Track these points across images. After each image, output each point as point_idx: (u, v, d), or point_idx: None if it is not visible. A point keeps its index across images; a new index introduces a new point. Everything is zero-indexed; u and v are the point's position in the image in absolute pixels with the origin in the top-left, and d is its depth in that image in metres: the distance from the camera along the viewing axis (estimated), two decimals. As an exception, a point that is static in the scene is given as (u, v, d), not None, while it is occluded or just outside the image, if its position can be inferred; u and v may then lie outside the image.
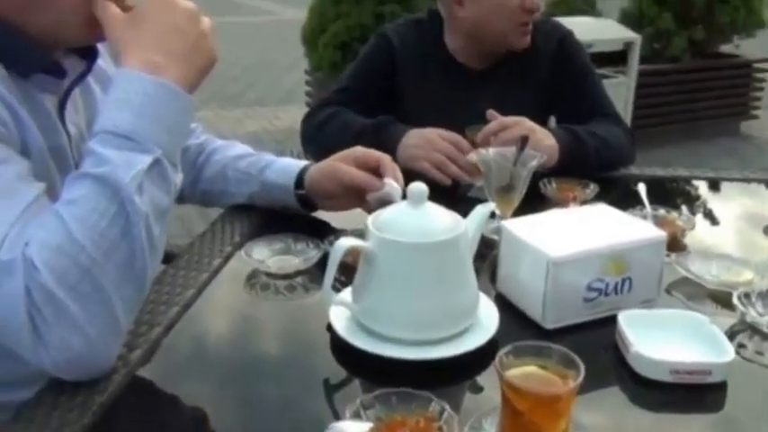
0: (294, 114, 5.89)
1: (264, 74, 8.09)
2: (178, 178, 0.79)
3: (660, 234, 0.86)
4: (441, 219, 0.78)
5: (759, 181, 1.46)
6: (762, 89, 5.56)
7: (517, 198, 1.09)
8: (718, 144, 5.21)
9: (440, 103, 1.58)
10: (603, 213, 0.93)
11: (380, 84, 1.60)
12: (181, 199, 1.19)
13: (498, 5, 1.48)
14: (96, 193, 0.70)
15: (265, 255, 1.02)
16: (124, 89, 0.75)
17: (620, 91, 4.18)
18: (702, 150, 5.04)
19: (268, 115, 6.01)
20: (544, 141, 1.30)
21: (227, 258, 1.04)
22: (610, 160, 1.44)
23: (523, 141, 1.08)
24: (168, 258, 1.02)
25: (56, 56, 0.88)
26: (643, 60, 4.45)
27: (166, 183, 0.75)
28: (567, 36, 1.59)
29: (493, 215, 1.01)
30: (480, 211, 0.83)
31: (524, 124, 1.30)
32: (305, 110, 5.19)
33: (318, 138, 1.51)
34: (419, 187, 0.77)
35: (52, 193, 0.79)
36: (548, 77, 1.58)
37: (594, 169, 1.37)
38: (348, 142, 1.42)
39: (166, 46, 0.78)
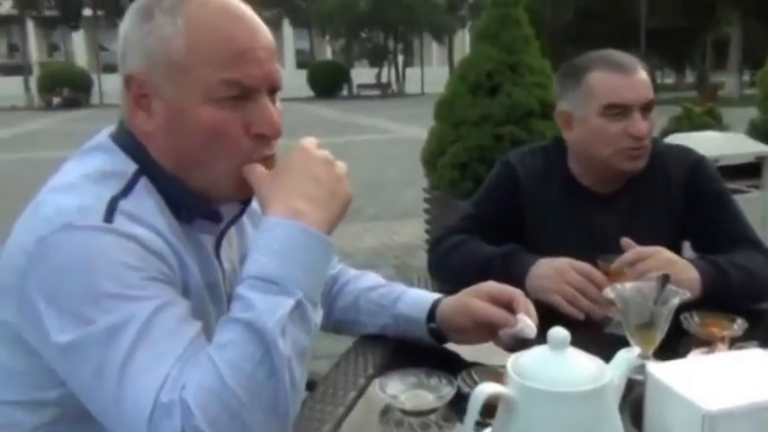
0: (413, 230, 6.02)
1: (383, 190, 8.38)
2: (318, 317, 0.84)
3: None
4: (584, 366, 0.76)
5: None
6: None
7: (659, 336, 1.05)
8: None
9: (566, 229, 1.57)
10: (760, 359, 0.87)
11: (506, 211, 1.62)
12: None
13: (600, 131, 1.48)
14: (244, 338, 0.76)
15: (398, 389, 1.03)
16: (269, 236, 0.82)
17: (754, 206, 3.95)
18: None
19: (387, 230, 6.18)
20: (685, 274, 1.25)
21: (361, 392, 1.06)
22: (756, 292, 1.36)
23: (664, 279, 1.04)
24: (307, 385, 1.05)
25: (215, 205, 0.98)
26: (778, 173, 4.23)
27: (307, 323, 0.80)
28: (699, 162, 1.56)
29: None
30: (625, 357, 0.80)
31: (662, 255, 1.26)
32: (423, 226, 5.33)
33: (446, 266, 1.54)
34: (560, 333, 0.76)
35: (207, 327, 0.86)
36: (680, 203, 1.54)
37: (739, 302, 1.29)
38: (476, 272, 1.43)
39: (307, 193, 0.85)
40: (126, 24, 0.92)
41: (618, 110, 1.45)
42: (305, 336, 0.80)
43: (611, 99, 1.45)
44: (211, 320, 0.93)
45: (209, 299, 0.96)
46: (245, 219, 1.07)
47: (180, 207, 0.92)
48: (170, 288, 0.84)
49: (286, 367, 0.77)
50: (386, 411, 1.00)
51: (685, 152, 1.58)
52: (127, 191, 0.87)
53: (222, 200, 0.97)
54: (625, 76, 1.45)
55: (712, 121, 4.98)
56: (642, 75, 1.47)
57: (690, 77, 42.65)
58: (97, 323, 0.76)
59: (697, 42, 35.26)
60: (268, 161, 0.92)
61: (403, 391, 1.03)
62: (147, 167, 0.91)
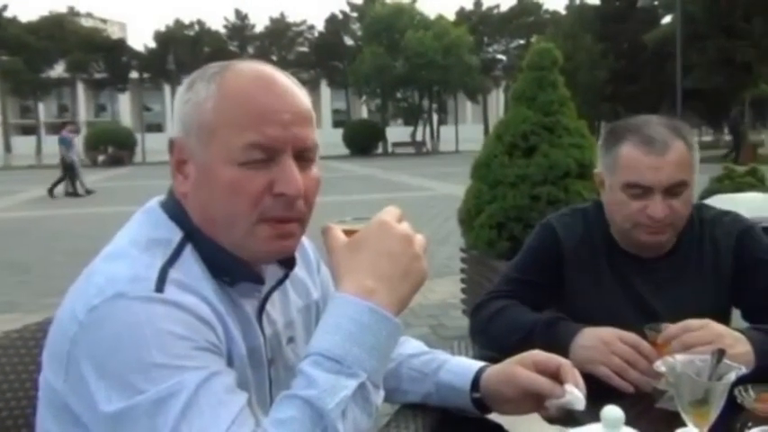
0: (448, 288, 5.96)
1: (418, 248, 8.33)
2: (380, 398, 0.82)
3: None
4: (640, 448, 0.73)
5: None
6: None
7: (713, 413, 1.00)
8: None
9: (608, 295, 1.54)
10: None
11: (548, 275, 1.60)
12: None
13: (621, 204, 1.46)
14: (303, 416, 0.75)
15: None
16: (338, 313, 0.82)
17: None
18: None
19: (422, 289, 6.09)
20: (736, 348, 1.20)
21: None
22: None
23: (720, 354, 1.01)
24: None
25: (257, 267, 0.98)
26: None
27: (369, 405, 0.79)
28: (748, 230, 1.53)
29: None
30: (683, 438, 0.77)
31: (711, 328, 1.22)
32: (459, 285, 5.28)
33: (488, 332, 1.52)
34: (615, 412, 0.74)
35: (248, 395, 0.85)
36: (728, 271, 1.50)
37: None
38: (518, 340, 1.41)
39: (380, 271, 0.84)
40: (176, 95, 0.96)
41: (638, 190, 1.42)
42: (366, 418, 0.79)
43: (632, 178, 1.42)
44: (251, 387, 0.93)
45: (250, 365, 0.95)
46: (288, 284, 1.08)
47: (222, 271, 0.92)
48: (217, 357, 0.84)
49: None
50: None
51: (734, 219, 1.55)
52: (174, 258, 0.88)
53: (255, 260, 0.97)
54: (652, 157, 1.40)
55: (755, 182, 4.89)
56: (673, 155, 1.40)
57: (727, 135, 42.22)
58: (145, 393, 0.76)
59: (734, 101, 35.03)
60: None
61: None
62: (192, 233, 0.92)
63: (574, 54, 32.09)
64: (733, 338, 1.23)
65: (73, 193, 16.35)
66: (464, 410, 1.16)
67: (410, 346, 1.26)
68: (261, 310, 1.00)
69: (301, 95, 0.95)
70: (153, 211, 0.96)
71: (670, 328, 1.23)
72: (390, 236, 0.87)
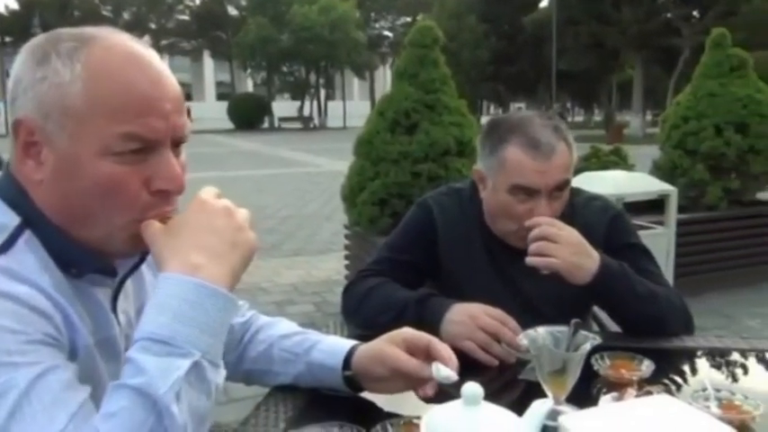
0: (332, 265, 5.97)
1: (303, 224, 8.31)
2: (220, 376, 0.79)
3: (732, 434, 0.81)
4: (497, 422, 0.75)
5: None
6: (804, 235, 5.49)
7: (571, 382, 1.05)
8: (763, 291, 5.08)
9: (481, 271, 1.57)
10: (668, 407, 0.88)
11: (422, 253, 1.60)
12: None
13: (506, 206, 1.47)
14: (134, 405, 0.70)
15: (310, 447, 0.98)
16: (163, 293, 0.77)
17: (661, 241, 4.15)
18: (748, 298, 4.90)
19: (306, 266, 6.10)
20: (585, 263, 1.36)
21: (271, 450, 1.00)
22: (655, 318, 1.40)
23: (577, 326, 1.05)
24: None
25: (108, 259, 0.91)
26: (679, 210, 4.48)
27: (206, 385, 0.75)
28: (618, 215, 1.60)
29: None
30: (537, 411, 0.79)
31: (571, 235, 1.36)
32: (343, 262, 5.28)
33: (360, 311, 1.50)
34: (474, 389, 0.75)
35: (98, 388, 0.79)
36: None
37: (636, 322, 1.36)
38: (391, 317, 1.41)
39: (204, 245, 0.81)
40: (18, 66, 0.85)
41: (525, 193, 1.44)
42: (205, 398, 0.75)
43: (520, 181, 1.43)
44: (104, 380, 0.86)
45: (104, 357, 0.89)
46: (144, 267, 1.01)
47: (69, 262, 0.85)
48: (55, 351, 0.77)
49: None
50: (296, 470, 0.95)
51: (604, 205, 1.62)
52: (7, 246, 0.80)
53: (115, 255, 0.91)
54: (539, 161, 1.41)
55: (619, 160, 5.23)
56: (559, 159, 1.42)
57: (598, 116, 44.99)
58: None
59: (603, 84, 37.31)
60: (167, 216, 0.87)
61: (314, 447, 0.99)
62: (32, 220, 0.84)
63: (458, 34, 32.86)
64: (583, 250, 1.37)
65: None
66: (336, 390, 1.15)
67: (282, 327, 1.23)
68: (115, 298, 0.93)
69: (173, 78, 0.89)
70: None
71: (541, 218, 1.37)
72: (210, 211, 0.84)
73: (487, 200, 1.54)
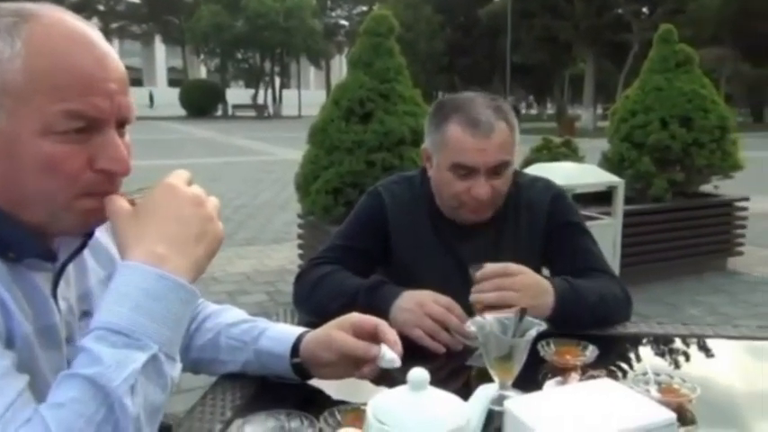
0: (285, 254, 5.93)
1: (256, 213, 8.22)
2: (176, 370, 0.77)
3: (670, 416, 0.83)
4: (443, 407, 0.75)
5: (755, 338, 1.44)
6: (744, 227, 5.70)
7: (517, 367, 1.06)
8: (706, 280, 5.26)
9: (432, 258, 1.59)
10: (609, 390, 0.90)
11: (373, 241, 1.61)
12: None
13: (447, 183, 1.50)
14: (85, 396, 0.68)
15: (257, 435, 0.97)
16: (124, 282, 0.75)
17: (608, 232, 4.25)
18: (691, 287, 5.07)
19: (259, 255, 6.04)
20: (540, 299, 1.33)
21: (217, 438, 0.99)
22: (604, 317, 1.44)
23: (523, 312, 1.07)
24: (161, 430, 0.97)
25: (50, 241, 0.88)
26: (626, 201, 4.59)
27: (162, 378, 0.73)
28: (560, 195, 1.64)
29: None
30: (483, 394, 0.80)
31: (525, 277, 1.32)
32: (296, 251, 5.24)
33: (311, 299, 1.50)
34: (420, 374, 0.75)
35: (36, 377, 0.76)
36: (541, 233, 1.60)
37: (588, 326, 1.36)
38: (342, 305, 1.40)
39: (170, 235, 0.79)
40: None
41: (464, 170, 1.47)
42: (159, 393, 0.73)
43: (459, 159, 1.46)
44: (43, 370, 0.84)
45: (43, 346, 0.86)
46: (86, 252, 0.98)
47: (5, 246, 0.82)
48: None
49: (132, 429, 0.69)
50: (243, 459, 0.94)
51: (547, 185, 1.65)
52: None
53: (61, 234, 0.88)
54: (478, 139, 1.43)
55: (569, 153, 5.33)
56: (497, 137, 1.44)
57: (551, 109, 45.73)
58: None
59: (556, 77, 37.93)
60: (132, 200, 0.84)
61: (262, 435, 0.98)
62: None
63: (414, 24, 32.90)
64: (541, 289, 1.33)
65: None
66: (284, 377, 1.14)
67: (230, 315, 1.21)
68: (56, 284, 0.90)
69: (118, 58, 0.86)
70: None
71: (489, 267, 1.31)
72: (179, 199, 0.82)
73: (433, 178, 1.57)
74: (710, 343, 1.41)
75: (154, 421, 0.73)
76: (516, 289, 1.29)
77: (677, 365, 1.30)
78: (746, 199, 5.67)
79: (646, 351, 1.38)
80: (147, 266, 0.76)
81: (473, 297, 1.29)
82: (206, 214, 0.83)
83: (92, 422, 0.67)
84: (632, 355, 1.35)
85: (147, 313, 0.73)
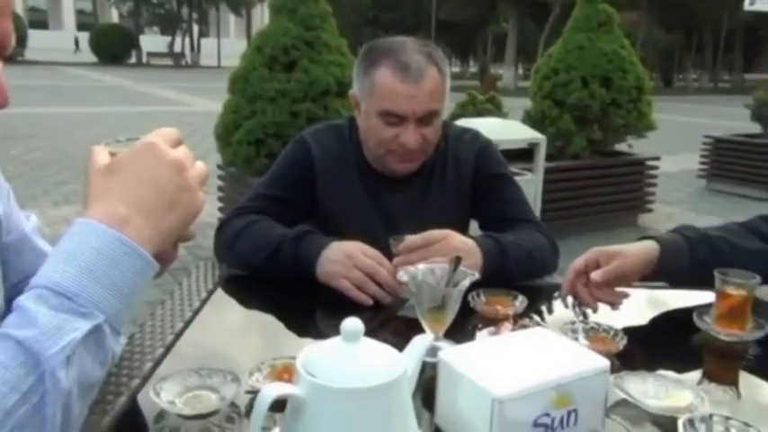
0: (206, 207, 5.73)
1: (174, 165, 7.90)
2: (119, 345, 0.69)
3: (604, 363, 0.83)
4: (378, 358, 0.71)
5: (660, 288, 1.48)
6: (654, 185, 5.96)
7: (450, 318, 1.04)
8: (618, 235, 5.48)
9: (359, 210, 1.55)
10: (543, 339, 0.89)
11: (299, 190, 1.55)
12: None
13: (376, 130, 1.46)
14: (12, 361, 0.59)
15: (176, 392, 0.91)
16: (76, 240, 0.66)
17: (529, 187, 4.33)
18: (605, 241, 5.27)
19: (177, 208, 5.82)
20: (469, 259, 1.27)
21: (132, 397, 0.92)
22: (533, 271, 1.44)
23: (457, 261, 1.04)
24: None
25: None
26: (547, 158, 4.69)
27: (103, 352, 0.65)
28: (486, 146, 1.62)
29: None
30: (418, 345, 0.77)
31: (449, 242, 1.27)
32: (216, 204, 5.08)
33: (234, 250, 1.42)
34: (353, 324, 0.70)
35: None
36: (468, 185, 1.59)
37: (517, 280, 1.36)
38: (266, 255, 1.35)
39: (138, 199, 0.70)
40: None
41: (393, 118, 1.42)
42: (98, 368, 0.65)
43: (387, 106, 1.42)
44: None
45: None
46: None
47: None
48: None
49: (60, 405, 0.61)
50: (160, 417, 0.88)
51: (474, 137, 1.63)
52: None
53: None
54: (408, 85, 1.39)
55: (493, 109, 5.36)
56: (427, 84, 1.40)
57: (473, 68, 46.08)
58: None
59: (479, 36, 38.16)
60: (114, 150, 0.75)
61: (182, 393, 0.92)
62: None
63: (339, -26, 32.11)
64: (467, 251, 1.29)
65: None
66: None
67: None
68: None
69: None
70: None
71: (411, 239, 1.26)
72: (157, 160, 0.73)
73: (361, 124, 1.51)
74: (631, 292, 1.44)
75: (86, 398, 0.65)
76: (443, 254, 1.24)
77: (604, 314, 1.31)
78: (657, 158, 5.92)
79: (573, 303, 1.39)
80: (105, 226, 0.67)
81: (400, 274, 1.23)
82: (184, 183, 0.74)
83: (16, 390, 0.58)
84: (560, 305, 1.36)
85: (98, 278, 0.65)
